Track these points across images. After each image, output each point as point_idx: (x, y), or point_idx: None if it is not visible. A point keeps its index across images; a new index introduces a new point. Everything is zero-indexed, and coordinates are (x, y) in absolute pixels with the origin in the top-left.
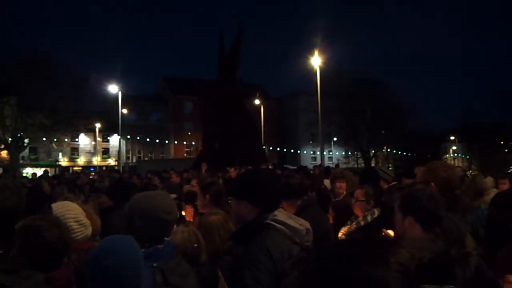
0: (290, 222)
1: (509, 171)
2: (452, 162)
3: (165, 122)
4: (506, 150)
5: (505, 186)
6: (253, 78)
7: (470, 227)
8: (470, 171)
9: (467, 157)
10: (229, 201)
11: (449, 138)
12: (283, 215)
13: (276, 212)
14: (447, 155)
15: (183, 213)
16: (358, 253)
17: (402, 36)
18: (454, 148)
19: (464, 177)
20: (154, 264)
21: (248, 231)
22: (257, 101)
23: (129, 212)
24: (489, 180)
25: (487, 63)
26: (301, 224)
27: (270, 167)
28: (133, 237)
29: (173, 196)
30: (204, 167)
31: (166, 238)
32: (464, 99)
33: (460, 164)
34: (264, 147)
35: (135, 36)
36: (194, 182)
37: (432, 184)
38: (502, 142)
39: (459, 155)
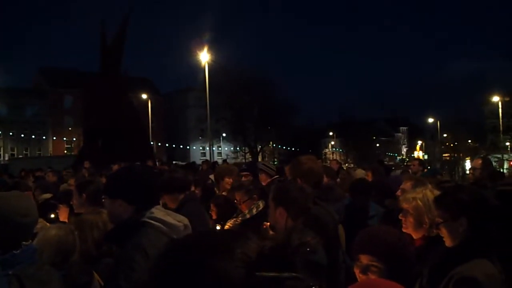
0: (168, 218)
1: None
2: (331, 156)
3: (43, 117)
4: (377, 145)
5: (368, 177)
6: (141, 72)
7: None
8: (347, 164)
9: (344, 151)
10: (103, 200)
11: (329, 134)
12: (161, 212)
13: (153, 210)
14: (327, 150)
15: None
16: (201, 245)
17: (289, 36)
18: (332, 143)
19: (339, 170)
20: (10, 272)
21: (123, 230)
22: (144, 96)
23: None
24: (359, 172)
25: (362, 64)
26: (179, 220)
27: (157, 163)
28: None
29: (48, 195)
30: (86, 164)
31: (24, 243)
32: (342, 96)
33: (338, 158)
34: (152, 143)
35: (8, 23)
36: (71, 181)
37: (298, 179)
38: (374, 137)
39: (337, 149)
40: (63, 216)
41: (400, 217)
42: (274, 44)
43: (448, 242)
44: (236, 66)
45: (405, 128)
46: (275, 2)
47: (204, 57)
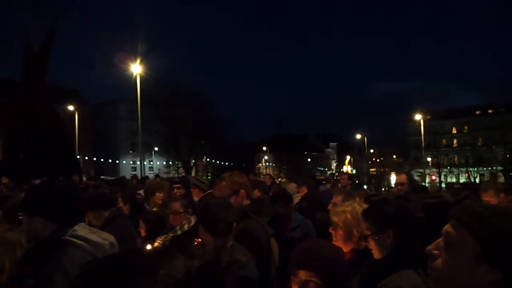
0: (92, 236)
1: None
2: (265, 170)
3: None
4: (309, 159)
5: (304, 191)
6: (70, 83)
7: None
8: (280, 179)
9: (277, 165)
10: (20, 217)
11: (262, 148)
12: (84, 230)
13: (76, 227)
14: (260, 164)
15: None
16: (122, 266)
17: (223, 49)
18: (265, 157)
19: (272, 184)
20: None
21: (42, 250)
22: (71, 107)
23: None
24: (292, 186)
25: (297, 79)
26: (105, 238)
27: (83, 178)
28: None
29: None
30: (4, 179)
31: None
32: (275, 112)
33: (271, 173)
34: (78, 156)
35: None
36: None
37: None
38: (306, 152)
39: (271, 164)
40: None
41: (330, 230)
42: (208, 58)
43: (376, 254)
44: (169, 78)
45: (334, 143)
46: (209, 15)
47: (136, 68)
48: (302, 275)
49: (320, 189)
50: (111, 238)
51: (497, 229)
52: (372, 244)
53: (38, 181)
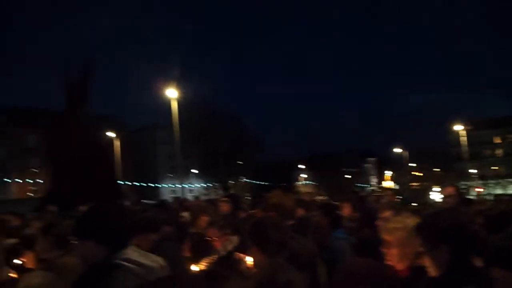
0: (143, 260)
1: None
2: (303, 189)
3: (5, 158)
4: (348, 176)
5: (347, 208)
6: (108, 109)
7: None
8: (321, 197)
9: (316, 183)
10: (73, 243)
11: (299, 166)
12: (135, 253)
13: (127, 251)
14: (298, 183)
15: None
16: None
17: (258, 71)
18: (304, 176)
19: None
20: None
21: (95, 274)
22: (112, 134)
23: None
24: None
25: (331, 94)
26: (154, 260)
27: (126, 203)
28: None
29: (13, 241)
30: (50, 207)
31: None
32: (311, 130)
33: (310, 190)
34: (121, 182)
35: None
36: (35, 224)
37: (271, 213)
38: (344, 169)
39: (309, 182)
40: (30, 262)
41: (383, 250)
42: (242, 79)
43: (432, 272)
44: (204, 102)
45: (373, 159)
46: (243, 40)
47: (172, 93)
48: None
49: (365, 205)
50: (161, 261)
51: None
52: (427, 261)
53: (83, 207)
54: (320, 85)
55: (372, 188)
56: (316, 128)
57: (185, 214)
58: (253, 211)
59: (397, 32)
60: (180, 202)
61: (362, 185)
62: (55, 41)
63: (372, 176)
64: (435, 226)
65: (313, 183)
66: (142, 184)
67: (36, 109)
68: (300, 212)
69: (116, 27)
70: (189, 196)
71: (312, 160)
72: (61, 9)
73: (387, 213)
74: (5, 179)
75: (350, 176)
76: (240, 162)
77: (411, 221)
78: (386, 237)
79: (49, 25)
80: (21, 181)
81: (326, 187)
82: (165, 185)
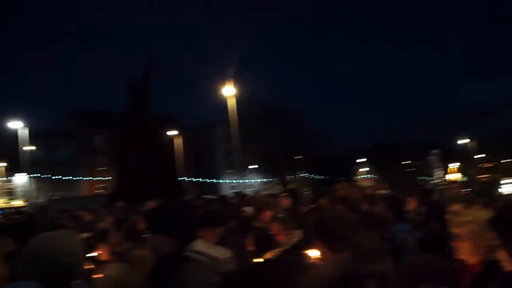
0: (211, 252)
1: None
2: (363, 183)
3: (75, 158)
4: (412, 169)
5: (413, 202)
6: (168, 109)
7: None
8: (383, 190)
9: (377, 176)
10: (145, 236)
11: (358, 160)
12: (204, 245)
13: (196, 243)
14: (358, 176)
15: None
16: (263, 276)
17: (313, 63)
18: (366, 169)
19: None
20: None
21: (167, 265)
22: (172, 132)
23: (27, 256)
24: None
25: (391, 83)
26: (223, 253)
27: (188, 198)
28: (37, 283)
29: (86, 235)
30: (119, 203)
31: (72, 282)
32: (370, 122)
33: (371, 184)
34: (184, 178)
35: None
36: (108, 219)
37: (338, 206)
38: (407, 162)
39: (370, 175)
40: (105, 255)
41: (453, 244)
42: (299, 72)
43: (508, 266)
44: (261, 97)
45: (437, 150)
46: (300, 31)
47: (229, 91)
48: None
49: (431, 199)
50: (229, 253)
51: None
52: (503, 255)
53: (150, 203)
54: (379, 76)
55: (437, 181)
56: (375, 119)
57: (247, 209)
58: (313, 205)
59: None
60: (241, 197)
61: (426, 178)
62: (117, 46)
63: (436, 169)
64: (511, 219)
65: (374, 176)
66: (202, 180)
67: (102, 112)
68: (365, 205)
69: (174, 28)
70: (249, 191)
71: (372, 153)
72: (122, 14)
73: (456, 206)
74: (75, 178)
75: (413, 169)
76: (299, 157)
77: (483, 214)
78: (456, 230)
79: (113, 31)
80: (89, 179)
81: (388, 181)
82: (224, 181)
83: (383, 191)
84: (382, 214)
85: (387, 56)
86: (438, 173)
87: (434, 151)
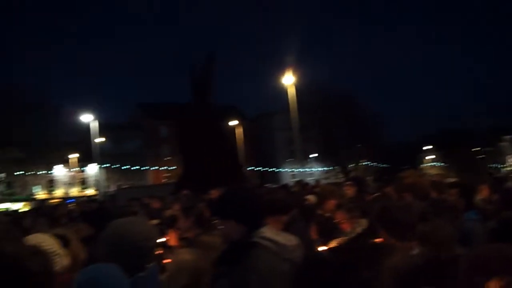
0: (279, 238)
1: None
2: (430, 170)
3: (142, 149)
4: (481, 156)
5: (484, 190)
6: (228, 99)
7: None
8: (451, 178)
9: (445, 164)
10: (214, 222)
11: (424, 147)
12: (271, 232)
13: (263, 229)
14: (424, 164)
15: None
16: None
17: (375, 50)
18: (432, 156)
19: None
20: None
21: (236, 251)
22: (233, 122)
23: (106, 240)
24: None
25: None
26: (290, 239)
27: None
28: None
29: (155, 221)
30: (184, 191)
31: (147, 265)
32: (436, 108)
33: (438, 172)
34: (245, 167)
35: (106, 63)
36: (175, 206)
37: (405, 194)
38: (477, 148)
39: (437, 163)
40: (173, 240)
41: None
42: (360, 60)
43: None
44: (321, 85)
45: (509, 136)
46: (354, 19)
47: (288, 79)
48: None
49: (504, 186)
50: (295, 240)
51: None
52: None
53: (214, 191)
54: (445, 60)
55: (509, 168)
56: (441, 104)
57: (310, 197)
58: (378, 194)
59: None
60: (303, 185)
61: (497, 165)
62: (180, 39)
63: (509, 156)
64: None
65: (441, 164)
66: (263, 169)
67: (167, 103)
68: (433, 193)
69: (233, 19)
70: (309, 180)
71: (439, 139)
72: (183, 9)
73: None
74: (142, 168)
75: (483, 156)
76: (360, 145)
77: None
78: None
79: (177, 25)
80: (156, 169)
81: (457, 168)
82: (285, 170)
83: (451, 179)
84: (452, 202)
85: (452, 41)
86: (510, 160)
87: (506, 137)
